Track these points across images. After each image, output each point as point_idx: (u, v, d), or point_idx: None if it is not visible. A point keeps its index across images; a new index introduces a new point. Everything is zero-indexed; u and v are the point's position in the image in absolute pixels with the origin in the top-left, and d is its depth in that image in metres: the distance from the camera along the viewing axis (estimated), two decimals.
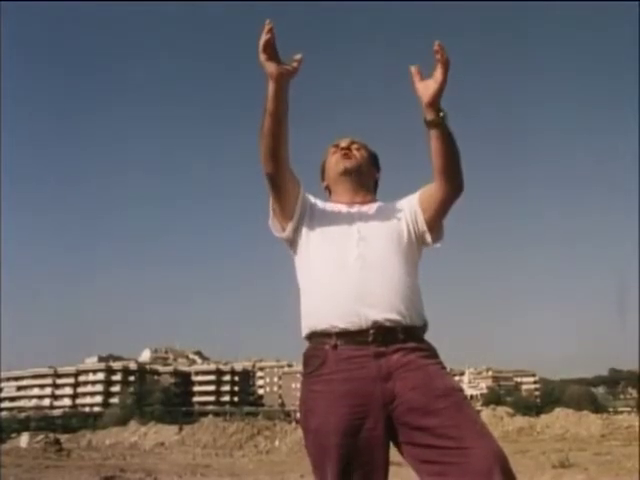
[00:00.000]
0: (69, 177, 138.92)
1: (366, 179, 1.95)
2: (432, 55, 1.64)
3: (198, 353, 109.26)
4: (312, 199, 1.90)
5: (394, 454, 1.63)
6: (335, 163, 1.93)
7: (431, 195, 1.80)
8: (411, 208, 1.85)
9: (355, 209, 1.86)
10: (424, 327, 1.75)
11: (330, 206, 1.89)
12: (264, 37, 1.63)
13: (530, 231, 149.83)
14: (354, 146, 1.95)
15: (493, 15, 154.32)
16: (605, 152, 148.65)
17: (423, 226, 1.83)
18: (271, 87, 1.67)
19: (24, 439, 20.35)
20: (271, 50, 1.65)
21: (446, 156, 1.71)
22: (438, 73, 1.65)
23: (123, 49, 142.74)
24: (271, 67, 1.65)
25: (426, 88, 1.67)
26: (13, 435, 29.38)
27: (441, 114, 1.67)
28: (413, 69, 1.70)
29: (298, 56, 1.67)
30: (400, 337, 1.66)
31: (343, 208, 1.87)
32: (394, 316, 1.66)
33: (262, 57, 1.65)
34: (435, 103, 1.66)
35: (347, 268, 1.72)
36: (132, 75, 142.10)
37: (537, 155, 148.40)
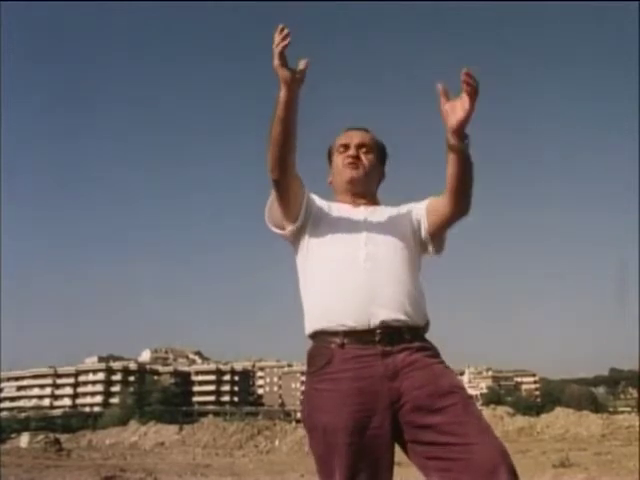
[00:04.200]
0: (69, 178, 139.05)
1: (371, 184, 1.95)
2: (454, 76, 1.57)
3: (198, 353, 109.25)
4: (317, 201, 1.89)
5: (394, 454, 1.63)
6: (342, 168, 1.91)
7: (438, 209, 1.80)
8: (417, 216, 1.86)
9: (361, 209, 1.86)
10: (426, 326, 1.76)
11: (336, 207, 1.89)
12: (283, 43, 1.59)
13: (530, 230, 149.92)
14: (362, 150, 1.92)
15: (494, 11, 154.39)
16: (605, 149, 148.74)
17: (426, 235, 1.84)
18: (284, 93, 1.64)
19: (24, 439, 20.42)
20: (285, 56, 1.62)
21: (461, 181, 1.70)
22: (466, 102, 1.59)
23: (123, 47, 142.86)
24: (286, 73, 1.62)
25: (453, 112, 1.61)
26: (13, 435, 29.45)
27: (465, 142, 1.65)
28: (440, 88, 1.64)
29: (303, 62, 1.65)
30: (406, 337, 1.66)
31: (349, 209, 1.87)
32: (401, 316, 1.67)
33: (277, 63, 1.62)
34: (461, 131, 1.63)
35: (356, 268, 1.72)
36: (132, 73, 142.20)
37: (536, 154, 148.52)
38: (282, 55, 1.61)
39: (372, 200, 1.94)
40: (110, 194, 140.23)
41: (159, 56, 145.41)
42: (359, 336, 1.65)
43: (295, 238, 1.86)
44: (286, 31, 1.59)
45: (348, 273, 1.72)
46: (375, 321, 1.64)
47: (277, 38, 1.60)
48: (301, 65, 1.65)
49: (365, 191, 1.92)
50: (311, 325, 1.74)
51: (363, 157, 1.91)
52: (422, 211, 1.85)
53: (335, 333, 1.67)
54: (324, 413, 1.63)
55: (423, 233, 1.84)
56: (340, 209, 1.87)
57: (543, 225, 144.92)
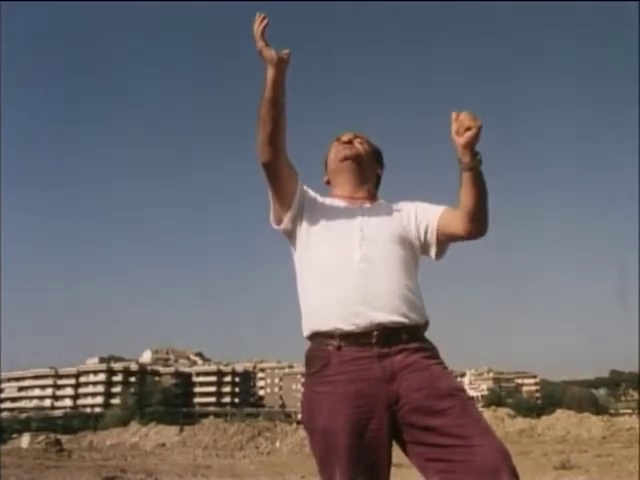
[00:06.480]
0: (70, 177, 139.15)
1: (367, 172, 1.93)
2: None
3: (199, 354, 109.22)
4: (312, 193, 1.89)
5: (394, 455, 1.63)
6: (336, 153, 1.93)
7: (452, 224, 1.79)
8: (424, 217, 1.84)
9: (357, 205, 1.85)
10: (425, 325, 1.75)
11: (331, 201, 1.88)
12: (262, 24, 1.67)
13: (531, 232, 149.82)
14: (357, 140, 1.94)
15: (493, 15, 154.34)
16: (604, 151, 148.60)
17: (432, 241, 1.83)
18: (270, 73, 1.68)
19: (25, 440, 20.42)
20: (265, 38, 1.68)
21: (476, 199, 1.70)
22: (473, 120, 1.65)
23: (124, 51, 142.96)
24: (270, 53, 1.67)
25: (461, 130, 1.65)
26: (14, 436, 29.49)
27: (477, 157, 1.66)
28: (454, 115, 1.67)
29: (286, 50, 1.69)
30: (403, 338, 1.66)
31: (344, 204, 1.86)
32: (398, 318, 1.66)
33: (260, 44, 1.68)
34: (472, 146, 1.64)
35: (351, 270, 1.71)
36: (132, 77, 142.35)
37: (536, 157, 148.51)
38: (263, 36, 1.68)
39: (370, 193, 1.93)
40: (111, 196, 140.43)
41: (161, 60, 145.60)
42: (355, 338, 1.64)
43: (292, 230, 1.84)
44: (263, 15, 1.67)
45: (343, 275, 1.71)
46: (371, 323, 1.64)
47: (256, 24, 1.68)
48: (284, 51, 1.69)
49: (362, 177, 1.91)
50: (308, 327, 1.74)
51: (357, 144, 1.93)
52: (434, 217, 1.83)
53: (332, 335, 1.66)
54: (322, 416, 1.63)
55: (429, 239, 1.83)
56: (335, 204, 1.86)
57: (544, 226, 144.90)
